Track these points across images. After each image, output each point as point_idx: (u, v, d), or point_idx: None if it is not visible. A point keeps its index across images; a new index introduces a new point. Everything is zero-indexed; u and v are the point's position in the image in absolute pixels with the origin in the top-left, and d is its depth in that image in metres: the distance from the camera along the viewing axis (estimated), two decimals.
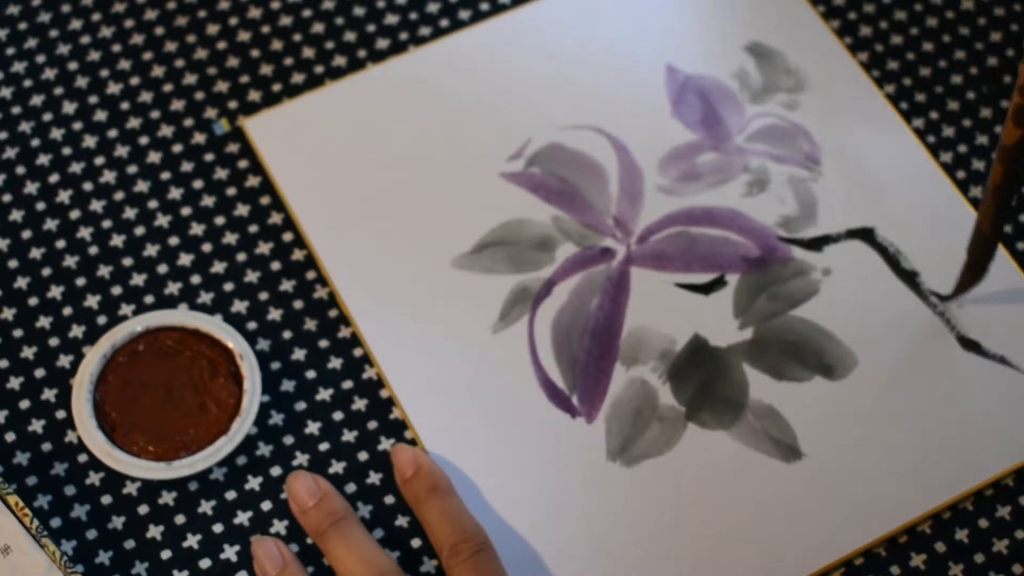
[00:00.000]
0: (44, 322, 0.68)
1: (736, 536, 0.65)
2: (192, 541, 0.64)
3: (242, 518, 0.65)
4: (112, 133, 0.73)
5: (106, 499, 0.65)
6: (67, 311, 0.69)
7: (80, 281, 0.69)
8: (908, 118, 0.75)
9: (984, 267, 0.68)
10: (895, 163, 0.73)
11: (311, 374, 0.68)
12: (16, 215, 0.71)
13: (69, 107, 0.73)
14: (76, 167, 0.72)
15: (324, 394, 0.68)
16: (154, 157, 0.72)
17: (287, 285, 0.70)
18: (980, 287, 0.70)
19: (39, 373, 0.67)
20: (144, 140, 0.73)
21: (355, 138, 0.73)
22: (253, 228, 0.71)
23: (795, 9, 0.77)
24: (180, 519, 0.65)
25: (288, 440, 0.67)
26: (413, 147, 0.73)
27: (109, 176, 0.72)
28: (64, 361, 0.68)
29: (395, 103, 0.74)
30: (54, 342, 0.68)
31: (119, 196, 0.71)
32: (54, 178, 0.72)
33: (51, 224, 0.71)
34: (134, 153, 0.72)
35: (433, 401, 0.67)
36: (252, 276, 0.70)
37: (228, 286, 0.70)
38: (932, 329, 0.69)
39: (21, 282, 0.69)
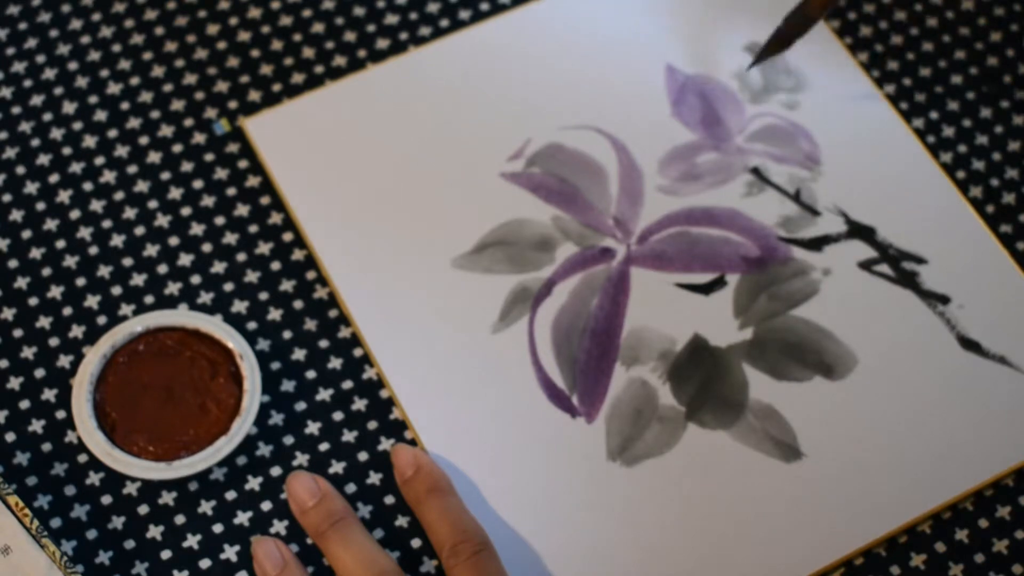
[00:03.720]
0: (44, 322, 0.68)
1: (736, 536, 0.65)
2: (192, 541, 0.64)
3: (242, 518, 0.65)
4: (112, 133, 0.73)
5: (106, 499, 0.65)
6: (67, 311, 0.69)
7: (80, 281, 0.69)
8: (908, 118, 0.75)
9: (792, 42, 0.71)
10: (895, 163, 0.73)
11: (311, 374, 0.68)
12: (16, 215, 0.71)
13: (69, 107, 0.73)
14: (76, 167, 0.72)
15: (324, 394, 0.68)
16: (154, 157, 0.72)
17: (287, 285, 0.70)
18: (980, 287, 0.70)
19: (39, 373, 0.67)
20: (144, 140, 0.73)
21: (355, 138, 0.73)
22: (253, 228, 0.71)
23: None
24: (180, 519, 0.65)
25: (288, 440, 0.67)
26: (413, 147, 0.73)
27: (109, 176, 0.72)
28: (64, 361, 0.68)
29: (395, 103, 0.74)
30: (54, 342, 0.68)
31: (119, 196, 0.71)
32: (54, 178, 0.72)
33: (51, 224, 0.71)
34: (134, 153, 0.72)
35: (433, 401, 0.67)
36: (252, 276, 0.70)
37: (228, 286, 0.70)
38: (932, 329, 0.69)
39: (21, 282, 0.69)
